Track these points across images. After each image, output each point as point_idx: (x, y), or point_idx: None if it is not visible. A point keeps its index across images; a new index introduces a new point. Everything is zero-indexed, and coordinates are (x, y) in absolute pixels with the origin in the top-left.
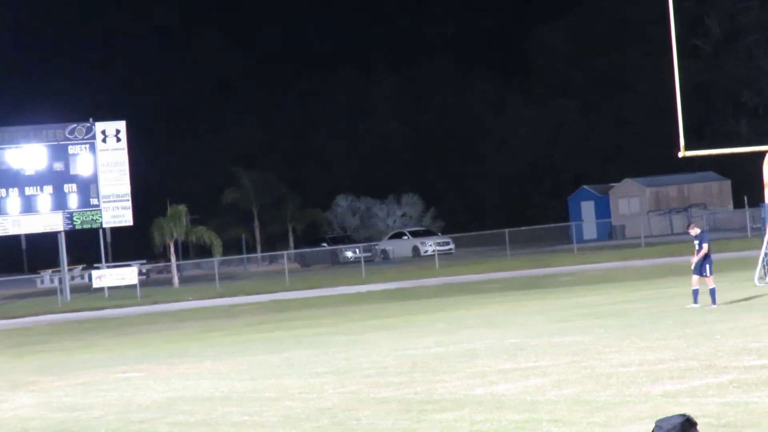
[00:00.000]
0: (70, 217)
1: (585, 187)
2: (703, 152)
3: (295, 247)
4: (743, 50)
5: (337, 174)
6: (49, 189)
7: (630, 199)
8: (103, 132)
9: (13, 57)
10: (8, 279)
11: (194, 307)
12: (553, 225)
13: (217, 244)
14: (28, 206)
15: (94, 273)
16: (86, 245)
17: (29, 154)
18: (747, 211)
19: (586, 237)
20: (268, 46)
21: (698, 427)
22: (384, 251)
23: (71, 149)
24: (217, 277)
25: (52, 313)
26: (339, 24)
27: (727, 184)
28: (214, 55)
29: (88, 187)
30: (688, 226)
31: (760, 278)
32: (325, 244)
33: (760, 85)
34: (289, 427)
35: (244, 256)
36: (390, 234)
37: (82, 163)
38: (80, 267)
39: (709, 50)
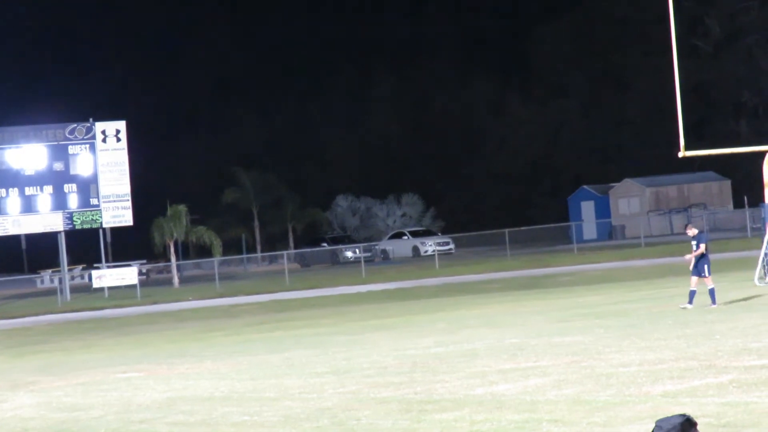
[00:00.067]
0: (70, 217)
1: (585, 187)
2: (703, 152)
3: (295, 247)
4: (743, 50)
5: (337, 174)
6: (49, 189)
7: (630, 199)
8: (103, 132)
9: (13, 57)
10: (8, 279)
11: (194, 307)
12: (553, 225)
13: (217, 244)
14: (28, 206)
15: (94, 273)
16: (86, 245)
17: (29, 154)
18: (747, 211)
19: (586, 237)
20: (268, 46)
21: (698, 427)
22: (384, 251)
23: (71, 149)
24: (217, 277)
25: (52, 313)
26: (339, 24)
27: (727, 184)
28: (214, 55)
29: (88, 187)
30: (685, 227)
31: (760, 278)
32: (325, 244)
33: (760, 85)
34: (289, 427)
35: (244, 256)
36: (390, 234)
37: (82, 163)
38: (80, 267)
39: (709, 50)
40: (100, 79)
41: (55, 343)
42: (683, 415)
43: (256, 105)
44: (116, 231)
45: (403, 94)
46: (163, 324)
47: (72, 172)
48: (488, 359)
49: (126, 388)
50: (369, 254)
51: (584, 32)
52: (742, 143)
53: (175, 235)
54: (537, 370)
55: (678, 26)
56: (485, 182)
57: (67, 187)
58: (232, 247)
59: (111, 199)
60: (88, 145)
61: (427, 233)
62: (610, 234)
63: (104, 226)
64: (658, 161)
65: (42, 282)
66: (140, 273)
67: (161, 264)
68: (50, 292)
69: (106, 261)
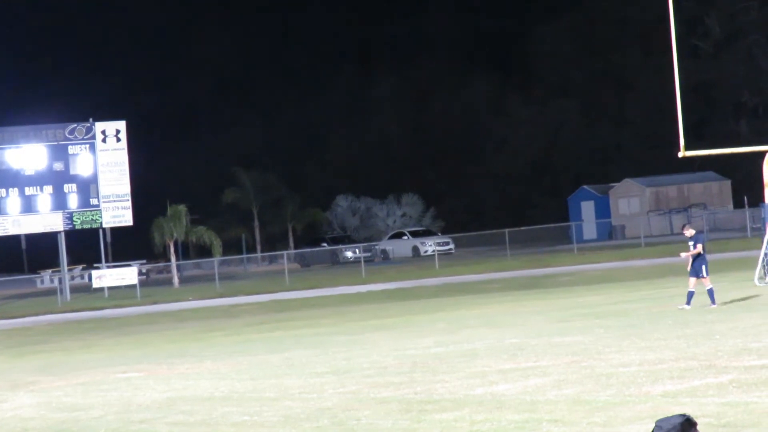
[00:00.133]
0: (70, 217)
1: (585, 187)
2: (703, 152)
3: (295, 247)
4: (743, 50)
5: (337, 174)
6: (49, 189)
7: (630, 199)
8: (103, 132)
9: (13, 57)
10: (8, 279)
11: (194, 307)
12: (553, 225)
13: (217, 244)
14: (28, 206)
15: (94, 273)
16: (86, 245)
17: (29, 154)
18: (747, 211)
19: (586, 237)
20: (268, 46)
21: (698, 427)
22: (384, 251)
23: (71, 149)
24: (217, 277)
25: (52, 313)
26: (339, 24)
27: (727, 184)
28: (214, 55)
29: (88, 187)
30: (683, 227)
31: (760, 278)
32: (325, 244)
33: (760, 85)
34: (289, 427)
35: (244, 256)
36: (390, 234)
37: (82, 163)
38: (80, 267)
39: (709, 50)
40: (100, 79)
41: (55, 343)
42: (683, 415)
43: (256, 105)
44: (116, 231)
45: (403, 94)
46: (163, 324)
47: (72, 172)
48: (488, 359)
49: (126, 388)
50: (369, 254)
51: (584, 32)
52: (742, 143)
53: (175, 235)
54: (537, 370)
55: (678, 26)
56: (485, 182)
57: (67, 187)
58: (232, 247)
59: (111, 199)
60: (88, 145)
61: (427, 233)
62: (610, 234)
63: (104, 226)
64: (658, 161)
65: (42, 282)
66: (140, 273)
67: (161, 264)
68: (50, 292)
69: (106, 261)
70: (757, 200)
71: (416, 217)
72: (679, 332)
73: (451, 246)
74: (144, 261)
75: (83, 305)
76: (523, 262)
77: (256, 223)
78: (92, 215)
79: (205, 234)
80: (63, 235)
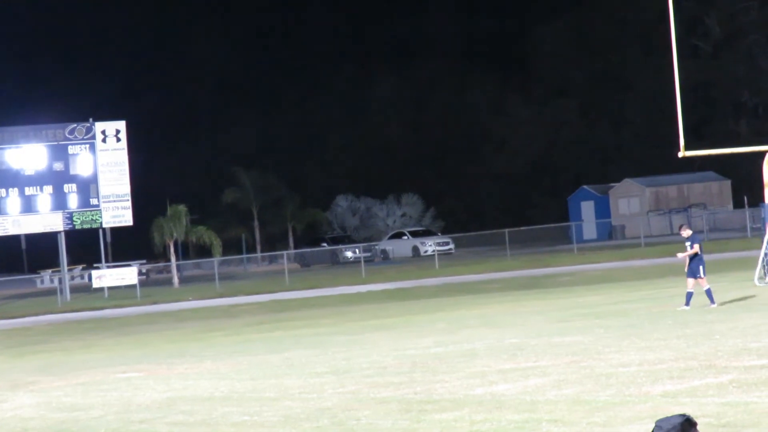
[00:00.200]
0: (70, 217)
1: (585, 187)
2: (703, 152)
3: (295, 247)
4: (743, 50)
5: (337, 174)
6: (49, 189)
7: (630, 199)
8: (103, 132)
9: (13, 57)
10: (8, 279)
11: (194, 307)
12: (553, 225)
13: (217, 244)
14: (28, 206)
15: (94, 273)
16: (86, 245)
17: (29, 154)
18: (747, 211)
19: (586, 237)
20: (268, 46)
21: (698, 427)
22: (384, 251)
23: (71, 149)
24: (216, 277)
25: (52, 313)
26: (339, 24)
27: (727, 184)
28: (213, 55)
29: (88, 187)
30: (679, 228)
31: (760, 278)
32: (325, 244)
33: (760, 85)
34: (289, 427)
35: (244, 256)
36: (390, 234)
37: (82, 163)
38: (80, 267)
39: (709, 50)
40: (100, 79)
41: (55, 343)
42: (683, 415)
43: (256, 105)
44: (116, 231)
45: (403, 94)
46: (163, 324)
47: (72, 172)
48: (488, 359)
49: (126, 388)
50: (369, 254)
51: (584, 32)
52: (742, 143)
53: (175, 235)
54: (537, 370)
55: (678, 26)
56: (485, 182)
57: (67, 187)
58: (232, 247)
59: (111, 199)
60: (88, 145)
61: (427, 233)
62: (610, 234)
63: (104, 226)
64: (658, 161)
65: (42, 282)
66: (140, 273)
67: (161, 264)
68: (50, 292)
69: (106, 261)
70: (757, 200)
71: (416, 217)
72: (679, 332)
73: (451, 246)
74: (144, 261)
75: (83, 305)
76: (523, 262)
77: (256, 223)
78: (92, 215)
79: (205, 234)
80: (63, 235)
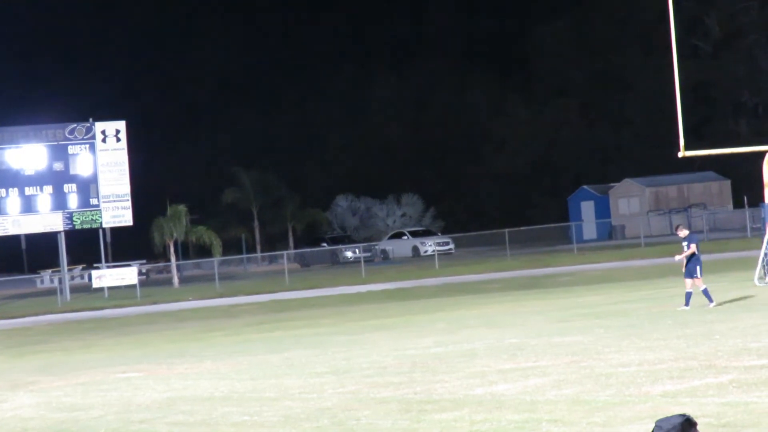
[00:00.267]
0: (70, 217)
1: (585, 187)
2: (703, 152)
3: (295, 247)
4: (743, 50)
5: (337, 174)
6: (48, 189)
7: (630, 199)
8: (103, 132)
9: (13, 57)
10: (8, 279)
11: (194, 307)
12: (553, 225)
13: (216, 244)
14: (28, 206)
15: (94, 273)
16: (86, 245)
17: (29, 154)
18: (747, 211)
19: (586, 237)
20: (268, 46)
21: (698, 427)
22: (384, 251)
23: (71, 149)
24: (216, 277)
25: (52, 313)
26: (339, 24)
27: (727, 184)
28: (214, 55)
29: (88, 187)
30: (676, 228)
31: (760, 278)
32: (325, 244)
33: (760, 85)
34: (289, 427)
35: (244, 256)
36: (390, 234)
37: (82, 163)
38: (80, 267)
39: (709, 50)
40: (100, 79)
41: (55, 343)
42: (683, 415)
43: (256, 105)
44: (116, 231)
45: (403, 94)
46: (163, 324)
47: (72, 172)
48: (488, 359)
49: (126, 388)
50: (369, 254)
51: (584, 32)
52: (742, 143)
53: (175, 235)
54: (537, 370)
55: (678, 26)
56: (485, 182)
57: (66, 187)
58: (232, 247)
59: (111, 199)
60: (87, 145)
61: (427, 233)
62: (610, 234)
63: (104, 226)
64: (658, 161)
65: (42, 282)
66: (140, 273)
67: (161, 264)
68: (50, 292)
69: (106, 261)
70: (757, 200)
71: (416, 217)
72: (679, 332)
73: (451, 246)
74: (144, 261)
75: (83, 305)
76: (523, 262)
77: (256, 223)
78: (92, 215)
79: (205, 234)
80: (63, 235)
